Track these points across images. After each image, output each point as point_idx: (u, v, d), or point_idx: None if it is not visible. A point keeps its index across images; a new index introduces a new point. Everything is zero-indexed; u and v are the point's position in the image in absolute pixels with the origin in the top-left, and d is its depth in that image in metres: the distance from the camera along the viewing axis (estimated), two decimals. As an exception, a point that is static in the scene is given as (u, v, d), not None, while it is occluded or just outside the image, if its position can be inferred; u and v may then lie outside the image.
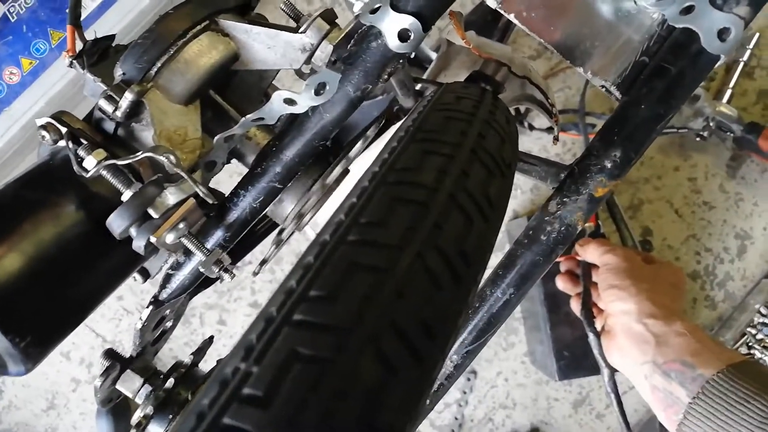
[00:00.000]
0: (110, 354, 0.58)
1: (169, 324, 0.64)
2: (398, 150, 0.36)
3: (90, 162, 0.45)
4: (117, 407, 0.87)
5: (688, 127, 1.22)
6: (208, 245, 0.52)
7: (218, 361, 0.66)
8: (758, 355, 1.22)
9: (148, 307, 0.54)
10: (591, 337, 0.85)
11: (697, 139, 1.22)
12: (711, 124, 1.19)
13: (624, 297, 0.81)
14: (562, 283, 1.01)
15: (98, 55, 0.55)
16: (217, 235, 0.52)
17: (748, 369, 0.68)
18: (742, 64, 1.23)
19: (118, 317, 1.32)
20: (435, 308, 0.29)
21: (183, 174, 0.43)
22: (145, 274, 0.57)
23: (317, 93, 0.44)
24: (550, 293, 1.15)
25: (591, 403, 1.27)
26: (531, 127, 1.28)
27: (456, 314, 0.30)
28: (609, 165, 0.45)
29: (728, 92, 1.25)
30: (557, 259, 1.07)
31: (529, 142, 1.31)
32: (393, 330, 0.27)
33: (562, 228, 0.47)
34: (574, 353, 1.13)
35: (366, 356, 0.25)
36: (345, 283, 0.28)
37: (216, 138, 0.48)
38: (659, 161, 1.32)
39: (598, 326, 0.86)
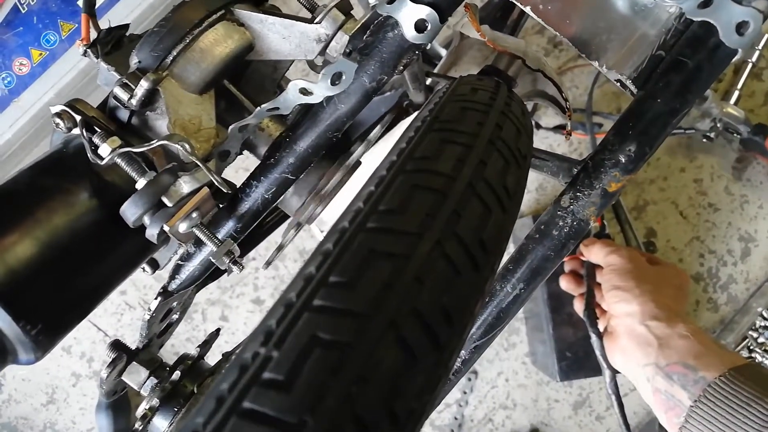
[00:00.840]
0: (117, 345, 0.58)
1: (175, 317, 0.64)
2: (416, 139, 0.36)
3: (105, 150, 0.45)
4: (117, 403, 0.87)
5: (695, 128, 1.22)
6: (219, 236, 0.52)
7: (223, 355, 0.66)
8: (759, 358, 1.22)
9: (156, 297, 0.54)
10: (593, 338, 0.85)
11: (704, 140, 1.22)
12: (718, 125, 1.19)
13: (627, 298, 0.81)
14: (565, 283, 1.01)
15: (112, 45, 0.55)
16: (229, 226, 0.52)
17: (750, 372, 0.67)
18: (750, 65, 1.23)
19: (120, 312, 1.32)
20: (454, 295, 0.29)
21: (198, 162, 0.43)
22: (155, 265, 0.57)
23: (333, 83, 0.44)
24: (553, 293, 1.15)
25: (591, 405, 1.27)
26: (538, 126, 1.28)
27: (474, 301, 0.30)
28: (623, 159, 0.45)
29: (736, 93, 1.25)
30: (560, 259, 1.07)
31: (536, 141, 1.30)
32: (413, 316, 0.27)
33: (575, 223, 0.47)
34: (576, 354, 1.12)
35: (386, 342, 0.25)
36: (364, 270, 0.28)
37: (230, 127, 0.48)
38: (665, 162, 1.32)
39: (601, 327, 0.86)
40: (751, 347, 1.23)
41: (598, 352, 0.84)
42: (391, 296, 0.27)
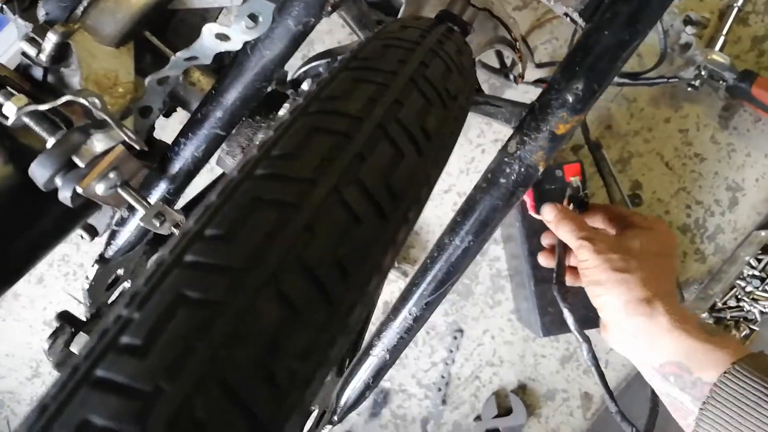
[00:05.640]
0: (63, 316, 0.56)
1: (126, 284, 0.62)
2: (327, 80, 0.33)
3: (10, 108, 0.41)
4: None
5: (678, 76, 1.17)
6: (153, 199, 0.49)
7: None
8: (747, 307, 1.21)
9: (93, 265, 0.52)
10: (566, 312, 0.82)
11: (689, 89, 1.18)
12: (703, 72, 1.15)
13: (605, 293, 0.76)
14: (544, 260, 0.97)
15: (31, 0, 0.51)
16: (162, 188, 0.49)
17: (753, 364, 0.63)
18: (736, 10, 1.18)
19: (99, 284, 1.31)
20: (352, 246, 0.26)
21: (107, 118, 0.40)
22: (93, 232, 0.54)
23: (249, 25, 0.41)
24: (534, 250, 1.12)
25: (578, 359, 1.27)
26: (516, 80, 1.24)
27: (380, 252, 0.27)
28: (571, 99, 0.42)
29: (721, 39, 1.20)
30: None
31: (516, 96, 1.27)
32: (298, 269, 0.24)
33: (522, 169, 0.44)
34: (559, 310, 1.10)
35: (264, 298, 0.23)
36: (245, 220, 0.25)
37: (147, 80, 0.44)
38: (649, 113, 1.28)
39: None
40: (739, 296, 1.22)
41: (572, 327, 0.81)
42: (274, 248, 0.24)
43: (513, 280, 1.27)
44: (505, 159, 0.44)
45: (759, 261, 1.22)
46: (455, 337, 1.27)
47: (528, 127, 0.44)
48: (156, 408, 0.19)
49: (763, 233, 1.23)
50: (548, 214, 0.83)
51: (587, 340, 0.79)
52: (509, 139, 0.45)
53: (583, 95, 0.42)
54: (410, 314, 0.49)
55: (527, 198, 1.11)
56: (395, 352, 0.51)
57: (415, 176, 0.30)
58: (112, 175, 0.41)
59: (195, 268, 0.24)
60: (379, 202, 0.27)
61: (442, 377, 1.28)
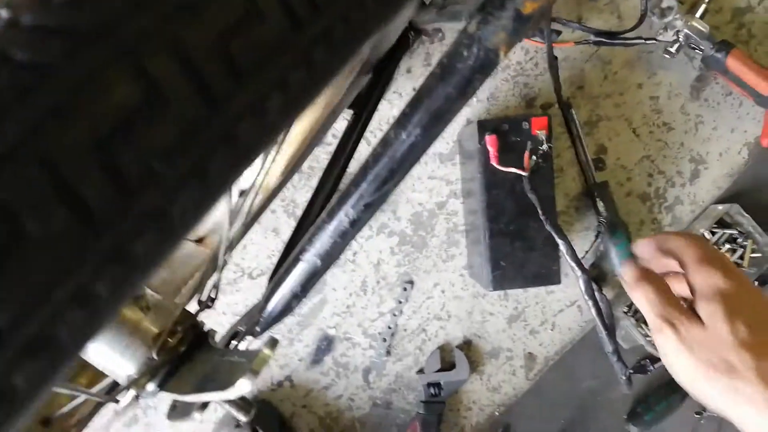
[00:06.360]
0: None
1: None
2: None
3: None
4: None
5: (656, 39, 1.15)
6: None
7: None
8: (698, 279, 1.20)
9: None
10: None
11: (665, 55, 1.16)
12: (680, 38, 1.13)
13: (712, 403, 0.57)
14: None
15: None
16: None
17: None
18: (720, -23, 1.15)
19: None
20: (248, 42, 0.21)
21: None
22: None
23: None
24: (492, 203, 1.09)
25: (526, 319, 1.25)
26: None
27: (284, 64, 0.22)
28: (542, -26, 0.37)
29: (703, 7, 1.18)
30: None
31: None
32: (172, 48, 0.18)
33: (481, 52, 0.39)
34: (512, 264, 1.08)
35: (116, 70, 0.17)
36: None
37: None
38: (623, 76, 1.25)
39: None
40: (691, 269, 1.22)
41: (568, 258, 0.76)
42: (140, 18, 0.18)
43: (468, 235, 1.24)
44: (464, 41, 0.39)
45: (713, 234, 1.22)
46: (405, 289, 1.24)
47: (492, 4, 0.39)
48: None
49: (720, 207, 1.22)
50: (626, 273, 0.66)
51: (585, 270, 0.72)
52: (470, 20, 0.40)
53: (557, -28, 0.37)
54: (347, 216, 0.44)
55: (491, 148, 1.06)
56: (328, 258, 0.47)
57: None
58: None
59: (30, 31, 0.18)
60: (290, 3, 0.22)
61: (389, 328, 1.25)
